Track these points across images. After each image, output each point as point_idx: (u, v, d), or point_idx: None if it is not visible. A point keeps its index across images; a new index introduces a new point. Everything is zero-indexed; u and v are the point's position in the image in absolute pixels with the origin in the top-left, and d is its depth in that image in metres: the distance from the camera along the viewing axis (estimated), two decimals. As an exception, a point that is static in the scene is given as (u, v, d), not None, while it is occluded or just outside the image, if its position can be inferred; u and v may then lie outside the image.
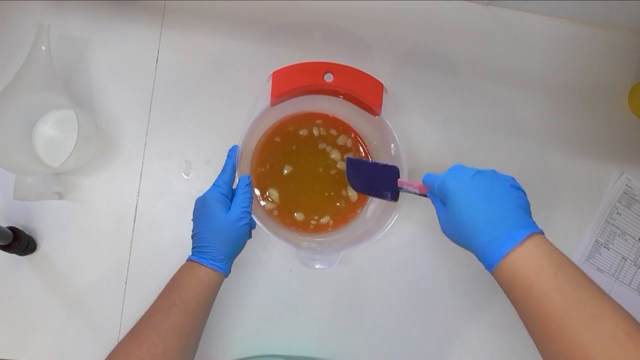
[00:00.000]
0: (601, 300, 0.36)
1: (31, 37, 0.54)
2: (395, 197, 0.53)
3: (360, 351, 0.62)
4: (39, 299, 0.60)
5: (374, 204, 0.62)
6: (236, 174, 0.55)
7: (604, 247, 0.66)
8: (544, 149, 0.66)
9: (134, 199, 0.62)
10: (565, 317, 0.35)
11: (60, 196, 0.61)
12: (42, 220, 0.60)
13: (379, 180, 0.54)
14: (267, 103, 0.55)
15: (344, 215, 0.62)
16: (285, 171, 0.61)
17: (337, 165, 0.62)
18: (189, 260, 0.51)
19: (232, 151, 0.55)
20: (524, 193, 0.44)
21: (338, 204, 0.62)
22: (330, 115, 0.63)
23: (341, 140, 0.62)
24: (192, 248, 0.52)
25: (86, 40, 0.63)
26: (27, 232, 0.59)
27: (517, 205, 0.42)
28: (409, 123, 0.65)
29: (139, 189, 0.62)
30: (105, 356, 0.45)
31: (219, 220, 0.51)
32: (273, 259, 0.62)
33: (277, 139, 0.62)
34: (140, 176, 0.62)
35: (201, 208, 0.52)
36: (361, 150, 0.63)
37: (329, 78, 0.55)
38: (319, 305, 0.62)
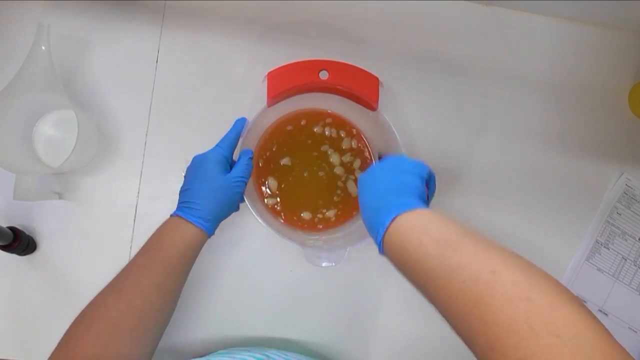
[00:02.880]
0: (473, 245, 0.36)
1: (31, 37, 0.54)
2: None
3: (363, 347, 0.62)
4: (39, 299, 0.60)
5: None
6: (239, 142, 0.55)
7: (604, 247, 0.66)
8: (544, 148, 0.66)
9: (134, 199, 0.62)
10: (439, 271, 0.35)
11: (60, 196, 0.61)
12: (42, 220, 0.60)
13: None
14: (263, 104, 0.55)
15: (348, 211, 0.62)
16: (285, 162, 0.61)
17: (335, 170, 0.62)
18: (175, 215, 0.50)
19: (239, 121, 0.56)
20: (421, 177, 0.46)
21: (339, 198, 0.62)
22: (337, 114, 0.63)
23: (346, 142, 0.62)
24: (180, 203, 0.51)
25: (86, 40, 0.63)
26: (27, 232, 0.59)
27: (410, 189, 0.44)
28: (409, 123, 0.65)
29: (139, 189, 0.62)
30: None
31: (216, 180, 0.51)
32: (275, 258, 0.62)
33: (277, 141, 0.62)
34: (140, 176, 0.62)
35: (199, 165, 0.52)
36: (366, 154, 0.63)
37: (324, 75, 0.55)
38: (322, 302, 0.62)
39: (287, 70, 0.55)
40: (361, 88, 0.56)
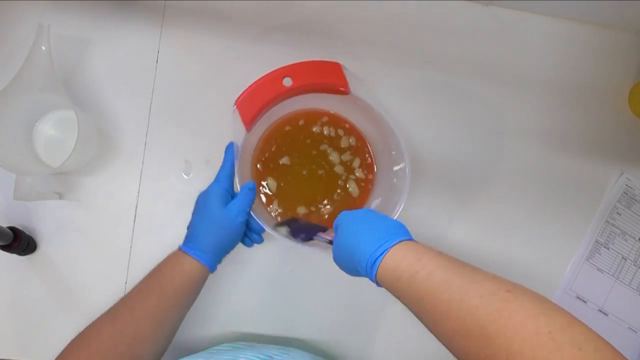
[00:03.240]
0: (478, 270, 0.37)
1: (31, 37, 0.54)
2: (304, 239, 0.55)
3: (365, 345, 0.62)
4: (39, 299, 0.60)
5: (378, 200, 0.61)
6: (236, 169, 0.55)
7: (604, 247, 0.66)
8: (544, 148, 0.66)
9: (134, 199, 0.62)
10: (449, 291, 0.36)
11: (60, 196, 0.61)
12: (42, 220, 0.60)
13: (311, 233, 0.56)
14: (243, 132, 0.55)
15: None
16: (284, 162, 0.61)
17: (335, 169, 0.62)
18: (178, 248, 0.52)
19: (230, 147, 0.56)
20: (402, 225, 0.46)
21: (339, 197, 0.62)
22: (332, 113, 0.63)
23: (344, 141, 0.62)
24: (184, 238, 0.53)
25: (86, 40, 0.63)
26: (27, 232, 0.59)
27: (394, 226, 0.44)
28: (408, 124, 0.65)
29: (139, 189, 0.62)
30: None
31: (214, 212, 0.52)
32: (275, 258, 0.62)
33: (276, 141, 0.62)
34: (140, 176, 0.62)
35: (201, 202, 0.53)
36: (365, 153, 0.63)
37: (288, 82, 0.55)
38: (324, 300, 0.62)
39: (252, 91, 0.55)
40: (327, 78, 0.56)
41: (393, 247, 0.41)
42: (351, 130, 0.63)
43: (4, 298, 0.60)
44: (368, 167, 0.63)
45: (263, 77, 0.55)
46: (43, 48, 0.54)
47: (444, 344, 0.37)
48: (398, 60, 0.66)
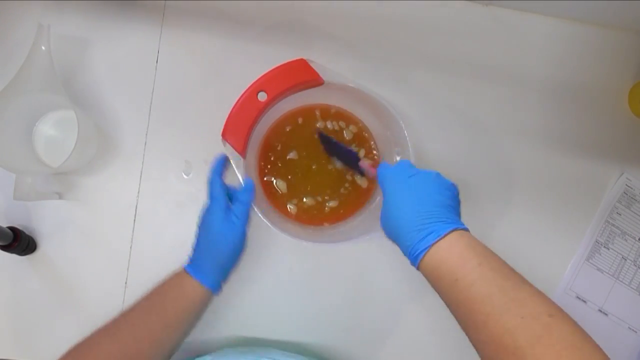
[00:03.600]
0: (522, 286, 0.37)
1: (31, 37, 0.54)
2: (361, 173, 0.60)
3: (365, 348, 0.62)
4: (39, 298, 0.60)
5: None
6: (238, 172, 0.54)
7: (604, 247, 0.66)
8: (544, 148, 0.66)
9: (134, 199, 0.62)
10: (489, 305, 0.36)
11: (60, 196, 0.61)
12: (42, 220, 0.60)
13: (348, 158, 0.59)
14: (240, 158, 0.55)
15: (355, 203, 0.62)
16: (292, 157, 0.62)
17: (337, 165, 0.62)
18: (182, 268, 0.51)
19: (217, 165, 0.55)
20: (456, 196, 0.45)
21: (347, 191, 0.62)
22: (326, 105, 0.63)
23: (347, 132, 0.63)
24: (189, 257, 0.53)
25: (86, 40, 0.63)
26: (27, 232, 0.59)
27: (444, 205, 0.43)
28: (406, 123, 0.64)
29: (139, 189, 0.62)
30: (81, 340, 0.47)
31: (214, 231, 0.51)
32: (275, 258, 0.62)
33: (280, 140, 0.62)
34: (140, 176, 0.62)
35: (202, 220, 0.53)
36: (371, 143, 0.63)
37: (263, 97, 0.55)
38: (323, 302, 0.62)
39: (234, 119, 0.54)
40: (299, 77, 0.55)
41: (439, 241, 0.40)
42: (351, 120, 0.63)
43: (3, 298, 0.60)
44: (373, 156, 0.63)
45: (238, 101, 0.55)
46: (43, 48, 0.54)
47: (472, 343, 0.37)
48: (397, 60, 0.66)
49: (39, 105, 0.60)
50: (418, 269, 0.42)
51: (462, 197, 0.64)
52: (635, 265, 0.66)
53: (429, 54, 0.66)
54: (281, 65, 0.55)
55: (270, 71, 0.55)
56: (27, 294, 0.60)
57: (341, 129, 0.63)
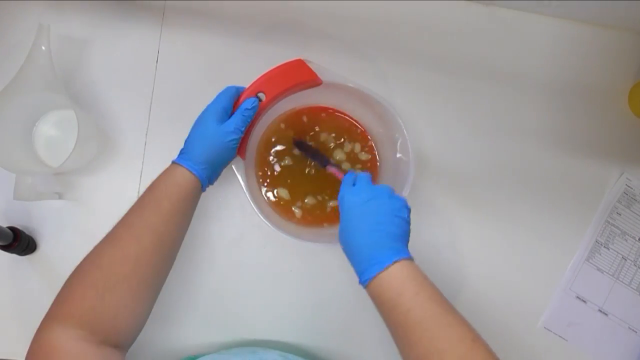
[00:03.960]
0: (452, 314, 0.42)
1: (31, 37, 0.54)
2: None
3: (364, 350, 0.62)
4: (39, 299, 0.59)
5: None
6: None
7: (604, 247, 0.66)
8: (544, 148, 0.66)
9: (134, 199, 0.61)
10: (422, 328, 0.41)
11: (60, 196, 0.61)
12: (42, 220, 0.60)
13: (321, 162, 0.60)
14: (240, 161, 0.55)
15: None
16: (287, 162, 0.62)
17: (342, 166, 0.62)
18: (172, 162, 0.52)
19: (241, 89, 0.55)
20: (406, 222, 0.48)
21: None
22: (335, 109, 0.63)
23: (347, 136, 0.63)
24: (180, 151, 0.53)
25: (86, 40, 0.63)
26: (27, 232, 0.59)
27: (392, 234, 0.46)
28: (407, 123, 0.65)
29: (139, 189, 0.62)
30: None
31: (208, 128, 0.51)
32: (274, 258, 0.62)
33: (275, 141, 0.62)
34: (140, 176, 0.62)
35: (198, 117, 0.53)
36: (375, 152, 0.63)
37: (262, 96, 0.55)
38: (321, 303, 0.62)
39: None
40: (297, 77, 0.55)
41: (383, 272, 0.44)
42: (347, 120, 0.63)
43: (4, 298, 0.60)
44: (369, 149, 0.63)
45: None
46: (43, 48, 0.54)
47: (402, 357, 0.43)
48: (397, 60, 0.66)
49: (39, 105, 0.60)
50: (365, 289, 0.46)
51: (461, 196, 0.65)
52: (635, 265, 0.66)
53: (428, 54, 0.66)
54: (278, 67, 0.55)
55: (268, 72, 0.55)
56: (27, 294, 0.60)
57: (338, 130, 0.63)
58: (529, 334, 0.64)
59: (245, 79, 0.63)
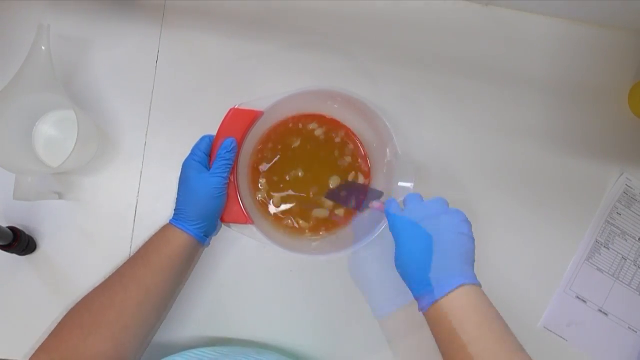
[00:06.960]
0: (515, 353, 0.39)
1: (31, 37, 0.54)
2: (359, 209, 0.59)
3: (363, 352, 0.62)
4: (39, 299, 0.60)
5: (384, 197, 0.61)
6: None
7: (604, 247, 0.66)
8: (544, 148, 0.66)
9: (134, 199, 0.62)
10: None
11: (60, 196, 0.61)
12: (42, 220, 0.60)
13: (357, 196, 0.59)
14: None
15: (347, 211, 0.61)
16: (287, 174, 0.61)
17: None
18: (168, 223, 0.54)
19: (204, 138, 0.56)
20: (468, 237, 0.45)
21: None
22: (328, 117, 0.62)
23: (338, 139, 0.62)
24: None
25: (86, 40, 0.63)
26: (27, 232, 0.59)
27: (458, 255, 0.43)
28: (407, 123, 0.65)
29: (139, 189, 0.62)
30: None
31: (191, 182, 0.53)
32: (272, 259, 0.62)
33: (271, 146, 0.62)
34: (140, 176, 0.62)
35: (181, 173, 0.55)
36: (361, 150, 0.63)
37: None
38: (319, 305, 0.62)
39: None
40: (247, 121, 0.56)
41: (444, 298, 0.41)
42: (339, 127, 0.63)
43: (4, 298, 0.60)
44: (363, 158, 0.63)
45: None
46: (43, 48, 0.54)
47: None
48: (396, 60, 0.66)
49: (39, 105, 0.60)
50: (426, 310, 0.43)
51: (461, 197, 0.65)
52: (636, 265, 0.66)
53: (427, 53, 0.66)
54: (224, 119, 0.55)
55: (223, 121, 0.55)
56: (27, 294, 0.60)
57: (332, 137, 0.62)
58: (529, 334, 0.64)
59: (246, 78, 0.64)
